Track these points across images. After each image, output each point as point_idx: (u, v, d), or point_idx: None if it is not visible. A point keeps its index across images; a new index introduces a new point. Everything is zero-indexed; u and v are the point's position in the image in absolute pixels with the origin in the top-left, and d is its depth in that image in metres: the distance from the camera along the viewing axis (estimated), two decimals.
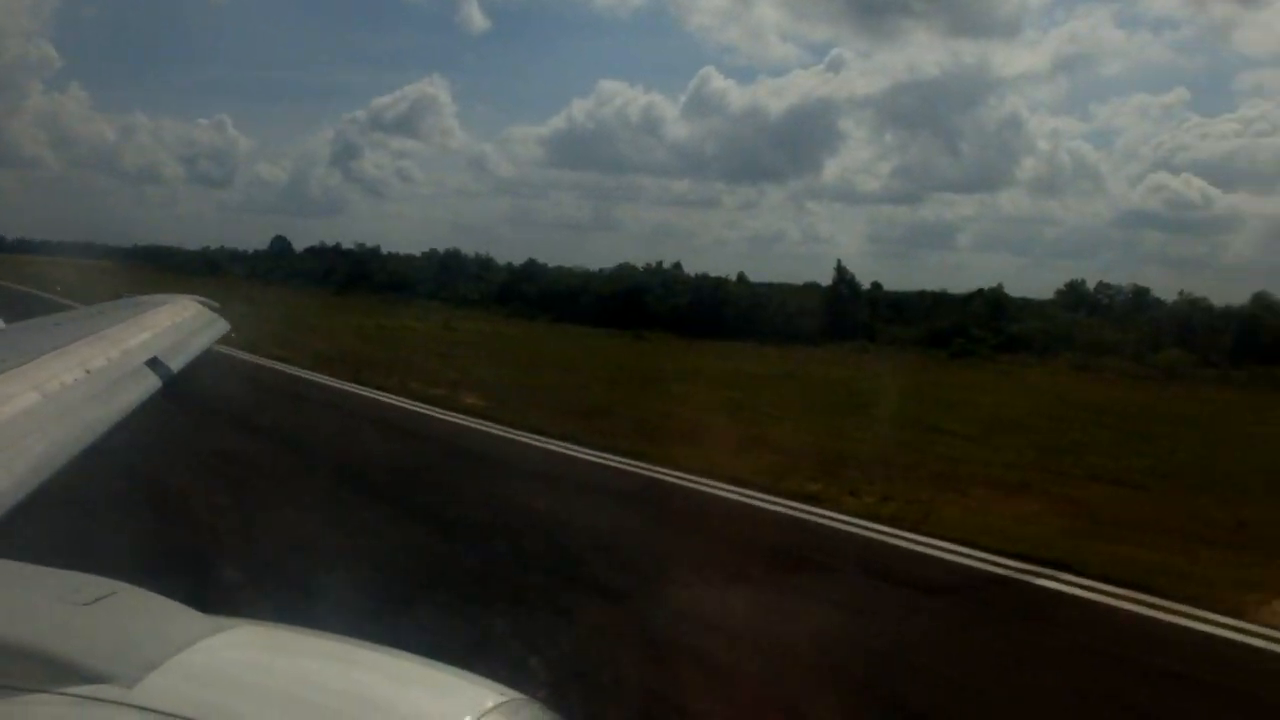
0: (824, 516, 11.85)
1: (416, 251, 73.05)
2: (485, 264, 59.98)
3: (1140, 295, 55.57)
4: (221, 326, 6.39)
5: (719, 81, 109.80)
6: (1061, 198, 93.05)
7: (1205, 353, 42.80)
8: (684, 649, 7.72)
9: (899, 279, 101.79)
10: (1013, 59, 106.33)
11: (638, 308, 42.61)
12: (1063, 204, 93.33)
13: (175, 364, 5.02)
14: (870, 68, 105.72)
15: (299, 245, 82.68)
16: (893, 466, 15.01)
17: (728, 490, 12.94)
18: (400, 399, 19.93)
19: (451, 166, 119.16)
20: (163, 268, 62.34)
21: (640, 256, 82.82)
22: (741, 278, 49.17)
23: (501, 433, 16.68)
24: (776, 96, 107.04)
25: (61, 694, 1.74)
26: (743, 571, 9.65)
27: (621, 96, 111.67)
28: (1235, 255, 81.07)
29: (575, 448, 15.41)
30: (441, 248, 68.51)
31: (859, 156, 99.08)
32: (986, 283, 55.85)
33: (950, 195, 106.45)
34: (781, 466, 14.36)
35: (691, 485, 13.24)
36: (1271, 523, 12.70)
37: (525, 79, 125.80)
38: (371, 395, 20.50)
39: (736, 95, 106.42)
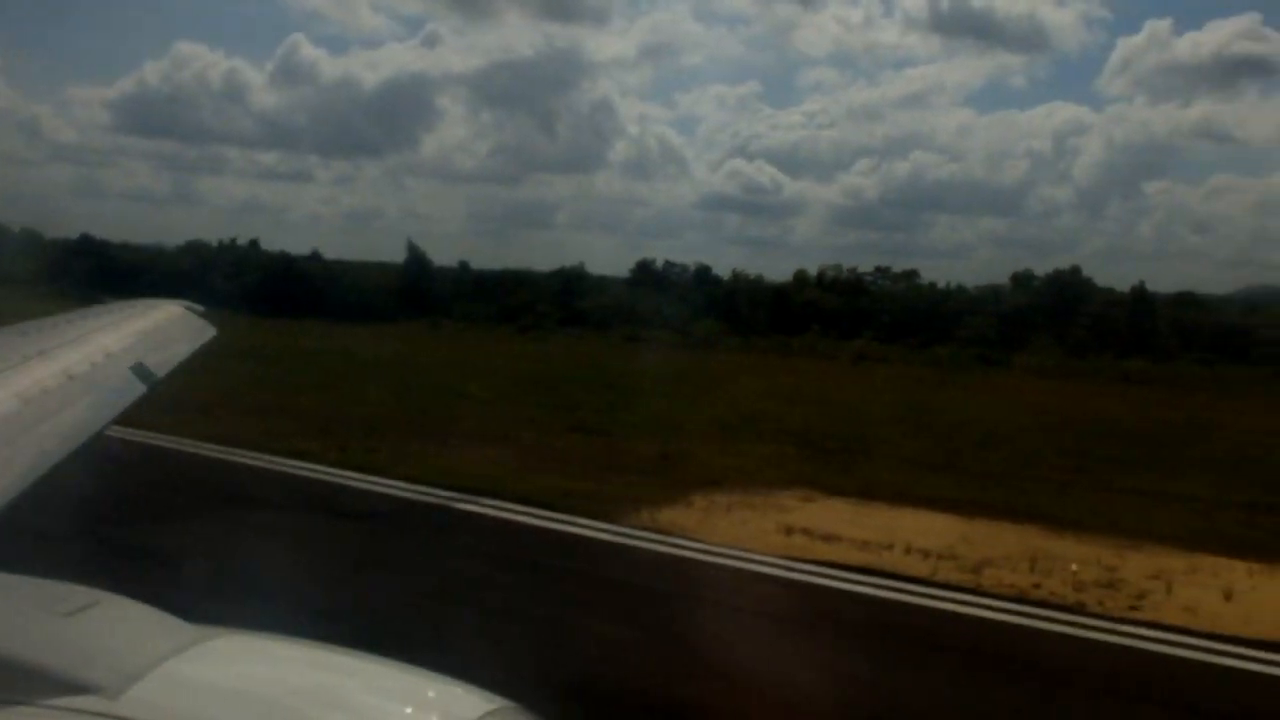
0: (302, 468, 13.29)
1: None
2: (32, 238, 55.16)
3: (702, 273, 61.60)
4: (208, 332, 6.15)
5: (309, 50, 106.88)
6: (650, 180, 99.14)
7: (747, 323, 48.80)
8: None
9: (499, 258, 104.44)
10: (603, 45, 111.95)
11: (203, 286, 41.44)
12: (651, 186, 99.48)
13: (160, 370, 4.97)
14: (465, 45, 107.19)
15: None
16: (399, 426, 16.69)
17: (224, 451, 14.00)
18: None
19: None
20: None
21: (227, 232, 79.28)
22: (316, 255, 49.29)
23: None
24: (371, 69, 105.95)
25: (44, 706, 1.73)
26: (199, 511, 10.89)
27: (201, 60, 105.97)
28: (801, 236, 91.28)
29: None
30: None
31: (457, 134, 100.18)
32: (584, 261, 59.24)
33: (547, 176, 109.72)
34: (287, 430, 15.58)
35: (190, 450, 14.15)
36: (690, 455, 15.69)
37: (88, 34, 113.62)
38: None
39: (328, 66, 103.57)
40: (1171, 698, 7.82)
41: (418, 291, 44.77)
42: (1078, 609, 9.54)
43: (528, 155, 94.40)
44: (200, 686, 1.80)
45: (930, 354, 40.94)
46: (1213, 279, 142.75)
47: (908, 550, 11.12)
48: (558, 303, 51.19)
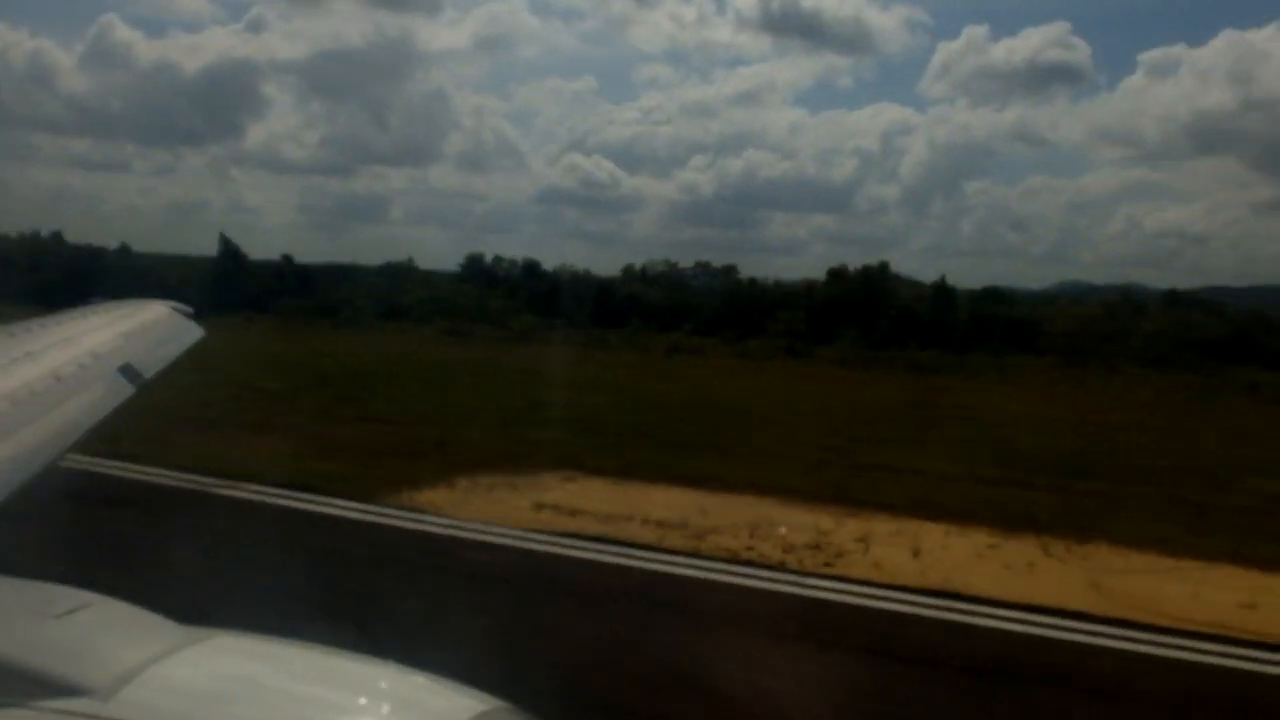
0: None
1: None
2: None
3: (531, 267, 62.18)
4: (195, 332, 6.12)
5: (123, 32, 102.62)
6: (487, 174, 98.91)
7: (570, 317, 49.60)
8: None
9: (335, 251, 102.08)
10: (436, 35, 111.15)
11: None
12: (488, 180, 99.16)
13: (147, 370, 4.95)
14: (293, 31, 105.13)
15: None
16: (181, 420, 16.73)
17: None
18: None
19: None
20: None
21: (35, 224, 75.04)
22: (125, 248, 47.78)
23: None
24: (192, 54, 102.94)
25: (36, 708, 1.74)
26: None
27: (1, 39, 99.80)
28: (639, 232, 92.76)
29: None
30: None
31: (285, 124, 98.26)
32: (418, 256, 59.00)
33: (380, 168, 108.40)
34: None
35: None
36: (469, 442, 16.34)
37: None
38: None
39: (145, 49, 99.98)
40: (826, 635, 8.93)
41: (232, 286, 43.83)
42: (777, 566, 10.65)
43: (360, 147, 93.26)
44: (191, 688, 1.81)
45: (743, 347, 42.59)
46: (1030, 274, 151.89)
47: (645, 522, 12.07)
48: (380, 297, 50.93)
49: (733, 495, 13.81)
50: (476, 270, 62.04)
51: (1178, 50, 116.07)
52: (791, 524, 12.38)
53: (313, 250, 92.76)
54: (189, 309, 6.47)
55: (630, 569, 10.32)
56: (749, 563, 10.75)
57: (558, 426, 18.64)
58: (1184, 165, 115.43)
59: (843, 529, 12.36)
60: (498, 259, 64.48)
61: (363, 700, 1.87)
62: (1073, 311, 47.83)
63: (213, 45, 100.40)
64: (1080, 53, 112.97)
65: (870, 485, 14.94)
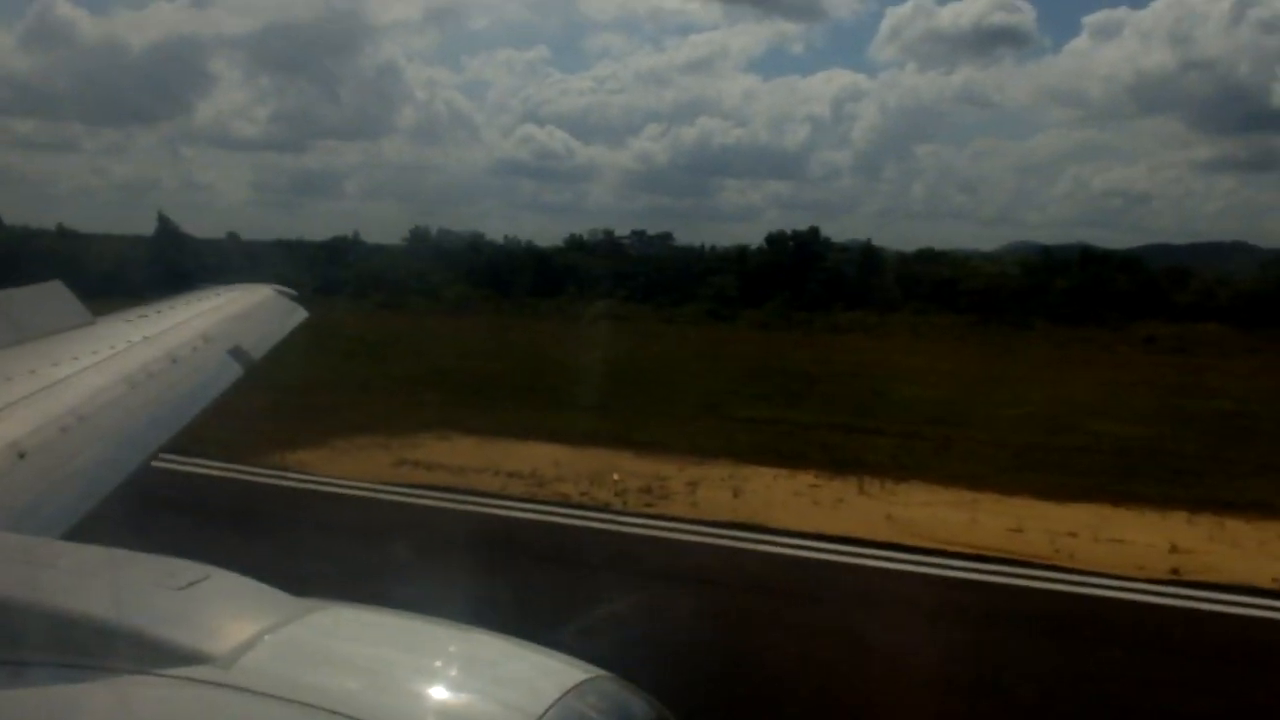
0: None
1: None
2: None
3: (475, 239, 63.00)
4: (299, 314, 6.28)
5: (66, 8, 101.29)
6: (442, 146, 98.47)
7: (509, 288, 50.48)
8: None
9: (293, 228, 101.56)
10: (386, 7, 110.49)
11: None
12: (443, 152, 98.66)
13: (255, 352, 5.16)
14: (239, 6, 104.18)
15: None
16: None
17: None
18: None
19: None
20: None
21: None
22: (61, 229, 48.05)
23: None
24: (137, 31, 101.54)
25: (162, 675, 1.84)
26: None
27: None
28: (595, 201, 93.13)
29: None
30: None
31: (235, 100, 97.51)
32: (370, 230, 59.29)
33: (333, 143, 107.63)
34: None
35: None
36: (359, 406, 17.37)
37: None
38: None
39: (90, 26, 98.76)
40: (619, 562, 10.10)
41: (170, 265, 44.23)
42: (603, 507, 11.83)
43: (312, 122, 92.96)
44: (307, 656, 1.90)
45: (671, 312, 43.74)
46: (981, 236, 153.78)
47: (496, 473, 13.21)
48: (320, 271, 51.43)
49: (593, 449, 14.92)
50: (421, 243, 62.46)
51: (1121, 13, 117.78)
52: (638, 472, 13.53)
53: (267, 227, 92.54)
54: (293, 292, 6.68)
55: (465, 513, 11.45)
56: (578, 505, 11.92)
57: (451, 391, 19.69)
58: (1128, 126, 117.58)
59: (682, 475, 13.54)
60: (443, 231, 65.00)
61: (471, 667, 1.96)
62: (987, 270, 49.17)
63: (158, 21, 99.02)
64: (1025, 15, 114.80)
65: (727, 436, 16.12)
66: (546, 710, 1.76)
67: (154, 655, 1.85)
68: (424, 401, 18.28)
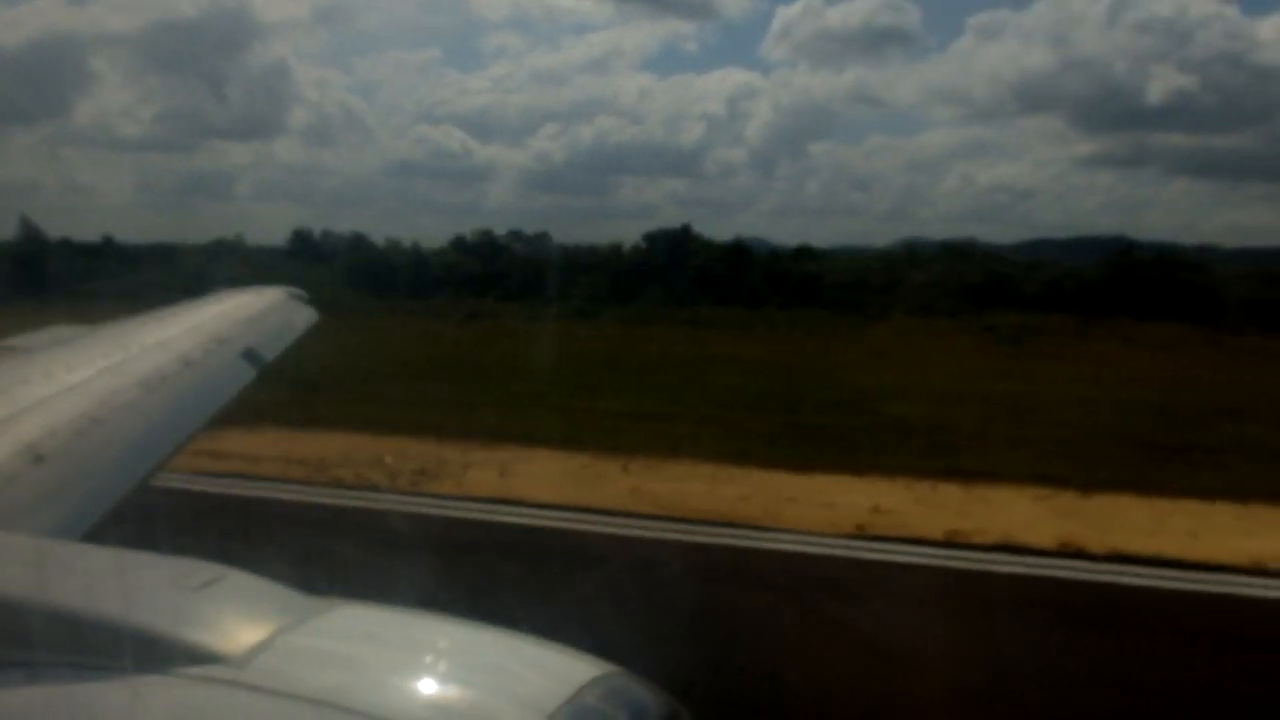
0: None
1: None
2: None
3: (358, 241, 63.13)
4: (309, 316, 6.31)
5: None
6: (334, 148, 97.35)
7: (386, 289, 50.88)
8: None
9: (172, 230, 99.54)
10: (273, 5, 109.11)
11: None
12: (336, 154, 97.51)
13: (268, 354, 5.23)
14: (120, 3, 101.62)
15: None
16: None
17: None
18: None
19: None
20: None
21: None
22: None
23: None
24: (11, 28, 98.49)
25: (178, 675, 1.86)
26: None
27: None
28: (494, 201, 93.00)
29: None
30: None
31: (118, 99, 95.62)
32: (257, 233, 58.75)
33: (222, 143, 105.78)
34: None
35: None
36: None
37: None
38: None
39: None
40: (370, 533, 11.02)
41: (32, 270, 43.68)
42: (371, 487, 12.76)
43: (199, 122, 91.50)
44: (324, 655, 1.92)
45: (539, 310, 44.69)
46: (875, 232, 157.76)
47: (286, 461, 14.03)
48: (198, 274, 51.18)
49: (391, 438, 15.80)
50: (304, 245, 62.40)
51: (1003, 14, 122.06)
52: (422, 457, 14.48)
53: (152, 230, 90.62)
54: (304, 294, 6.67)
55: (229, 496, 12.25)
56: (348, 485, 12.84)
57: (284, 389, 20.29)
58: (1011, 123, 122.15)
59: (463, 459, 14.52)
60: (325, 233, 65.04)
61: (484, 665, 1.98)
62: (848, 266, 51.20)
63: (34, 18, 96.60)
64: (911, 16, 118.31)
65: (528, 424, 17.09)
66: (560, 707, 1.81)
67: (169, 655, 1.88)
68: (250, 399, 18.85)
